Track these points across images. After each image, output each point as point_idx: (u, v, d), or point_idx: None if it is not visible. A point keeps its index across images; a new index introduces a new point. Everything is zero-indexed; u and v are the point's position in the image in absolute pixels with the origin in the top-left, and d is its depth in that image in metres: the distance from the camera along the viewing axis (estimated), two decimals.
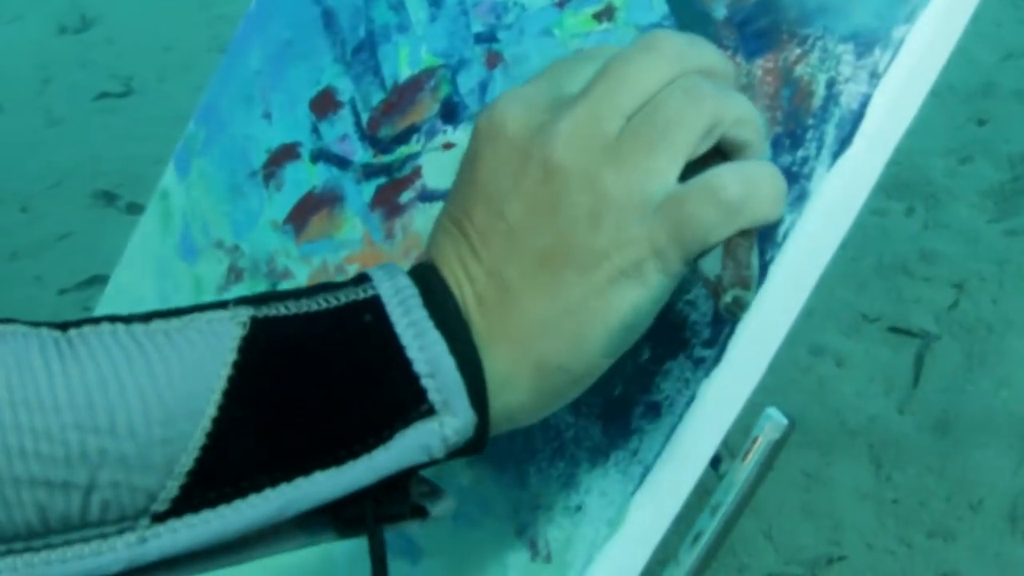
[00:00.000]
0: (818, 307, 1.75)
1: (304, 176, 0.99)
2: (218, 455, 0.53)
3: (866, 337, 1.69)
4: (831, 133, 0.63)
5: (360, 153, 0.94)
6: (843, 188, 0.62)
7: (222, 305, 0.56)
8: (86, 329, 0.53)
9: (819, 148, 0.63)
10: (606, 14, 0.77)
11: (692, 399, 0.64)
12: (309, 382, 0.54)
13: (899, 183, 1.96)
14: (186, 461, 0.52)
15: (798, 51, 0.65)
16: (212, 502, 0.53)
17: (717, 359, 0.64)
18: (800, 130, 0.64)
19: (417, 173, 0.88)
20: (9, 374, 0.51)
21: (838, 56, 0.63)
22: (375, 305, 0.56)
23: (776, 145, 0.64)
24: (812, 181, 0.62)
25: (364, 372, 0.55)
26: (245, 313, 0.55)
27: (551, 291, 0.56)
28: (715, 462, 0.64)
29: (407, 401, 0.54)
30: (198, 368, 0.53)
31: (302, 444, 0.54)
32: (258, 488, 0.53)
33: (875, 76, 0.62)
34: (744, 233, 0.57)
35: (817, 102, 0.64)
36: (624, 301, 0.56)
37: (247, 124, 1.11)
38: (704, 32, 0.70)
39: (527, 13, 0.82)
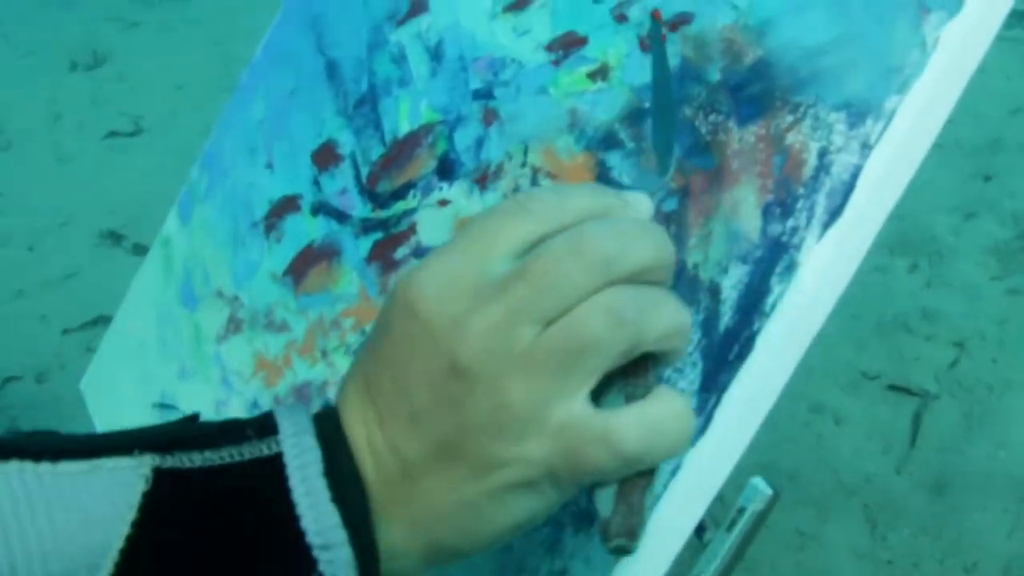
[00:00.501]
0: (819, 365, 1.75)
1: (304, 228, 0.99)
2: None
3: (866, 395, 1.68)
4: (822, 203, 0.62)
5: (359, 207, 0.94)
6: (832, 260, 0.62)
7: (129, 449, 0.55)
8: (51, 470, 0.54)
9: (809, 218, 0.62)
10: (600, 73, 0.77)
11: (677, 468, 0.64)
12: (205, 546, 0.54)
13: (903, 240, 1.96)
14: None
15: (790, 118, 0.65)
16: None
17: (703, 429, 0.63)
18: (791, 199, 0.64)
19: (413, 229, 0.88)
20: None
21: (830, 125, 0.63)
22: (276, 464, 0.55)
23: (767, 214, 0.64)
24: (801, 252, 0.62)
25: (259, 539, 0.55)
26: (149, 463, 0.55)
27: (449, 482, 0.56)
28: (699, 531, 0.64)
29: (299, 571, 0.54)
30: (99, 522, 0.53)
31: None
32: None
33: (867, 147, 0.61)
34: (642, 474, 0.56)
35: (808, 171, 0.63)
36: (517, 507, 0.56)
37: (250, 173, 1.11)
38: (696, 94, 0.71)
39: (524, 71, 0.83)
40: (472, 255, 0.56)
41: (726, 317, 0.65)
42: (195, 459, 0.55)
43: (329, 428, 0.57)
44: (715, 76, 0.70)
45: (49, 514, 0.53)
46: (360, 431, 0.58)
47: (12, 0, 3.55)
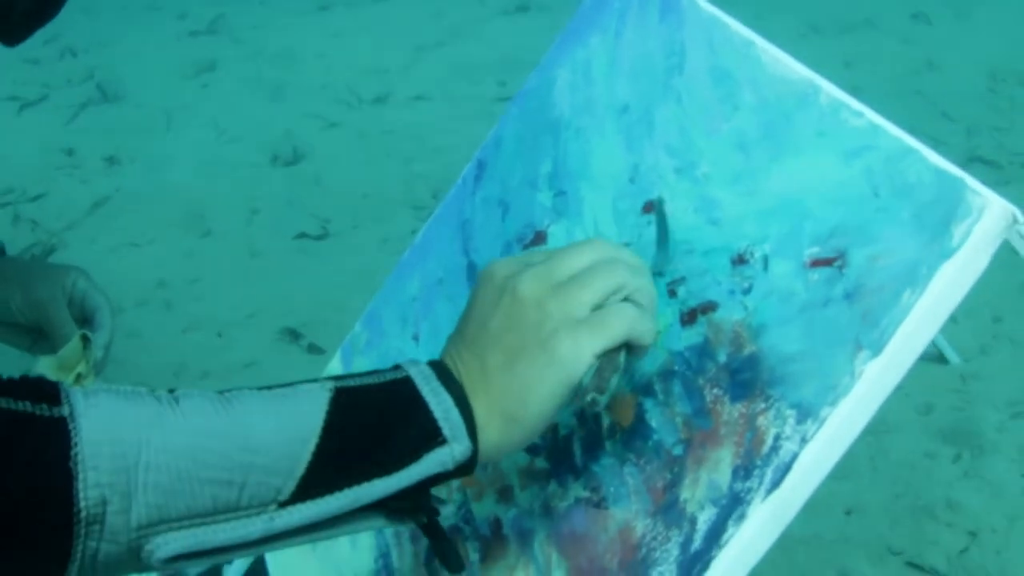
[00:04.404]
0: (856, 535, 1.91)
1: None
2: (320, 466, 0.85)
3: (887, 568, 1.82)
4: (769, 475, 0.86)
5: None
6: (769, 518, 0.86)
7: (314, 381, 0.90)
8: (235, 392, 0.87)
9: (760, 484, 0.86)
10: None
11: None
12: (372, 425, 0.87)
13: (957, 431, 2.08)
14: (300, 470, 0.85)
15: (763, 406, 0.89)
16: (314, 495, 0.85)
17: None
18: (751, 467, 0.87)
19: None
20: (196, 416, 0.83)
21: (785, 418, 0.87)
22: (408, 380, 0.91)
23: (735, 474, 0.88)
24: (751, 507, 0.86)
25: (404, 419, 0.88)
26: (331, 384, 0.89)
27: (511, 370, 0.92)
28: None
29: (430, 435, 0.89)
30: (307, 416, 0.86)
31: (368, 462, 0.87)
32: (341, 487, 0.86)
33: (804, 441, 0.85)
34: (612, 354, 0.93)
35: (766, 449, 0.87)
36: (551, 377, 0.91)
37: (400, 340, 1.37)
38: (709, 369, 0.95)
39: None
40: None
41: (696, 543, 0.89)
42: (358, 381, 0.90)
43: (432, 362, 0.94)
44: (723, 358, 0.95)
45: (277, 412, 0.86)
46: (455, 357, 0.95)
47: (225, 87, 3.76)
